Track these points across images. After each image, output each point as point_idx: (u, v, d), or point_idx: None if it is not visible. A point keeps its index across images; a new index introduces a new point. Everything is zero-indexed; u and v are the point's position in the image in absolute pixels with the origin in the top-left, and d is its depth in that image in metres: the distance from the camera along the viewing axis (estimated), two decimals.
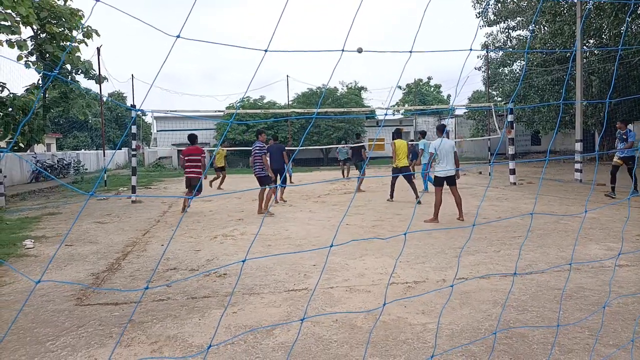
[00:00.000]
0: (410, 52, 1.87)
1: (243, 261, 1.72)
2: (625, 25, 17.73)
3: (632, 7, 16.95)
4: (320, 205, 11.09)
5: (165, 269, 5.60)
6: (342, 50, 1.73)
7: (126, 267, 5.77)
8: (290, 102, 30.88)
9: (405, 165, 10.60)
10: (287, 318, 3.94)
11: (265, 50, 1.62)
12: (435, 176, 8.28)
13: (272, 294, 4.58)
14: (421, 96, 51.75)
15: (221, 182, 16.21)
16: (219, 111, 20.19)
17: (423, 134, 13.20)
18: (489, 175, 18.12)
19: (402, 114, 38.60)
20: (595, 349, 3.21)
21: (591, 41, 23.95)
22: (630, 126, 10.69)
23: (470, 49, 2.04)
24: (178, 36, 1.48)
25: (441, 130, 8.53)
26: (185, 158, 10.02)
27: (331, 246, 1.84)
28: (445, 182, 8.17)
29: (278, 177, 11.12)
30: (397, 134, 10.97)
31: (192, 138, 10.19)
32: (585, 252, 5.88)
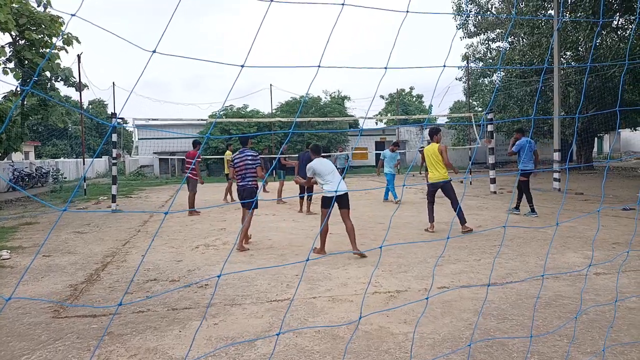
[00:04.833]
0: (385, 68, 1.90)
1: (218, 276, 1.71)
2: (594, 39, 18.20)
3: (599, 26, 17.40)
4: (304, 215, 11.08)
5: (145, 280, 5.52)
6: (319, 66, 1.75)
7: (105, 278, 5.67)
8: (274, 111, 30.88)
9: (438, 180, 7.98)
10: (270, 329, 3.92)
11: (242, 66, 1.63)
12: (323, 197, 6.65)
13: (254, 304, 4.55)
14: (403, 106, 52.28)
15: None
16: (202, 120, 20.04)
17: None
18: (470, 184, 18.35)
19: (384, 124, 38.91)
20: (570, 356, 3.26)
21: (568, 53, 24.55)
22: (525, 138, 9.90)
23: (444, 66, 2.08)
24: (154, 51, 1.48)
25: (315, 151, 6.98)
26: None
27: (307, 260, 1.85)
28: (337, 205, 6.67)
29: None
30: (432, 133, 8.38)
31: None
32: (564, 260, 5.99)
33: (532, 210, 9.59)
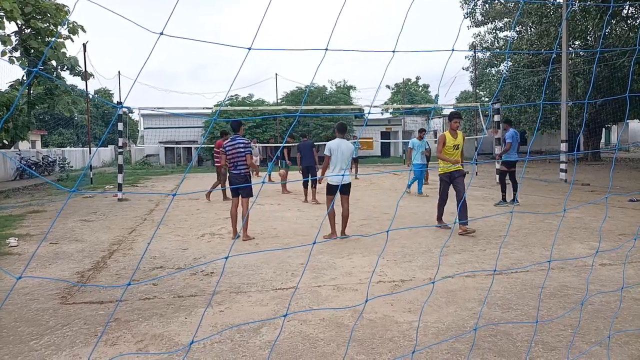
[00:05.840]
0: (394, 51, 1.89)
1: (226, 258, 1.72)
2: (604, 27, 17.97)
3: (610, 10, 17.17)
4: (309, 204, 11.09)
5: (151, 268, 5.56)
6: (326, 50, 1.74)
7: (112, 265, 5.72)
8: (279, 101, 30.80)
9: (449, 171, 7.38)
10: (275, 316, 3.95)
11: (249, 49, 1.62)
12: (328, 184, 6.93)
13: (259, 292, 4.58)
14: (409, 96, 52.00)
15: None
16: (207, 108, 20.07)
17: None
18: (475, 174, 18.28)
19: (390, 113, 38.73)
20: (575, 345, 3.26)
21: (577, 43, 24.26)
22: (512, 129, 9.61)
23: (453, 49, 2.06)
24: (161, 33, 1.47)
25: (341, 130, 7.06)
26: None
27: (314, 243, 1.85)
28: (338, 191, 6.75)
29: (309, 175, 11.21)
30: (448, 119, 7.63)
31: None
32: (569, 251, 5.97)
33: (504, 200, 9.88)
